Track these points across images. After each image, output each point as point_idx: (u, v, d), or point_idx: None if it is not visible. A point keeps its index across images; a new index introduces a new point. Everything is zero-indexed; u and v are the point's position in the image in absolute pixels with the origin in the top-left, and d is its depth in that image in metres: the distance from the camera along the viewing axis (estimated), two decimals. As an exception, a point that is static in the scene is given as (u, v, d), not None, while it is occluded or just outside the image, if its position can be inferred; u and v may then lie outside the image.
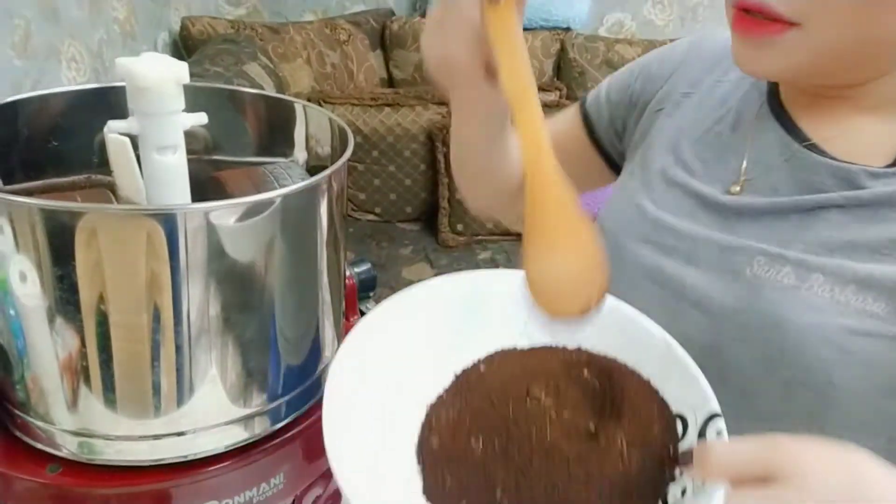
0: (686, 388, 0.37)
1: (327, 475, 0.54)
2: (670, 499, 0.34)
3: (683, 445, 0.35)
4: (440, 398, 0.39)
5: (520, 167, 0.38)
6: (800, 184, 0.46)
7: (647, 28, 2.19)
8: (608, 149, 0.63)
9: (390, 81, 2.16)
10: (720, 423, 0.34)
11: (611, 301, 0.40)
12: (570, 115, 0.65)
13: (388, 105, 1.87)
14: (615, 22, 2.20)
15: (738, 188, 0.48)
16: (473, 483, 0.34)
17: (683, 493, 0.33)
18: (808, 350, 0.42)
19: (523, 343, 0.41)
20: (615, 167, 0.63)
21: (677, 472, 0.34)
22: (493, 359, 0.40)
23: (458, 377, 0.39)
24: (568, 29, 2.11)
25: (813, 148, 0.46)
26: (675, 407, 0.37)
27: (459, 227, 1.90)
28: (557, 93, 2.08)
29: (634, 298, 0.42)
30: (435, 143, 1.88)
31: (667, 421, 0.36)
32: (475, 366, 0.40)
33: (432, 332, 0.40)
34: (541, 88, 2.06)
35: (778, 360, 0.43)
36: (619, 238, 0.53)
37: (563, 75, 2.13)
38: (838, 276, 0.42)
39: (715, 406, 0.35)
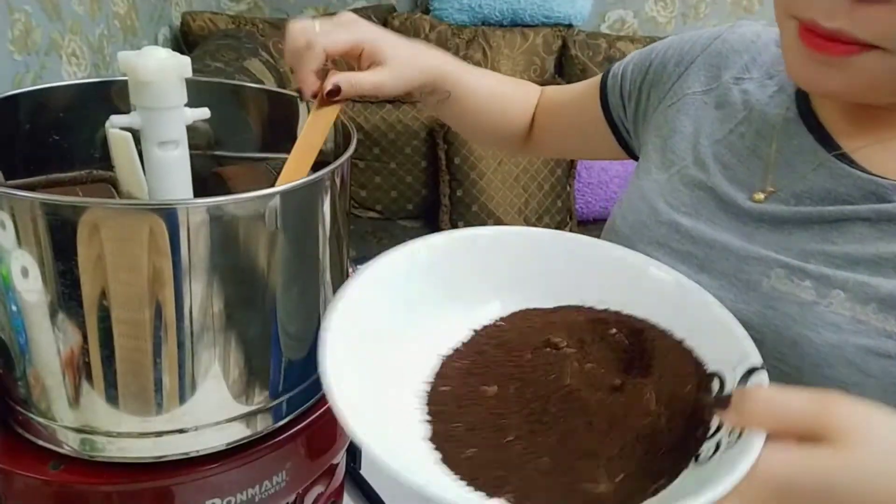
0: (724, 345, 0.35)
1: (329, 472, 0.54)
2: (702, 455, 0.31)
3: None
4: (455, 350, 0.37)
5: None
6: (826, 194, 0.44)
7: (648, 25, 2.18)
8: (616, 121, 0.62)
9: (391, 78, 2.14)
10: (762, 376, 0.32)
11: (641, 260, 0.40)
12: (591, 81, 0.65)
13: (389, 102, 1.86)
14: (617, 19, 2.19)
15: (762, 195, 0.47)
16: (483, 428, 0.32)
17: (717, 447, 0.31)
18: (826, 370, 0.40)
19: (548, 303, 0.40)
20: (622, 141, 0.63)
21: (713, 423, 0.32)
22: (514, 315, 0.39)
23: (476, 332, 0.38)
24: (570, 26, 2.10)
25: (843, 158, 0.45)
26: (713, 365, 0.34)
27: (460, 223, 1.90)
28: (559, 90, 2.07)
29: None
30: (436, 140, 1.87)
31: (701, 380, 0.34)
32: (494, 322, 0.38)
33: (448, 287, 0.38)
34: (542, 86, 2.06)
35: (793, 378, 0.41)
36: (632, 240, 0.51)
37: (565, 72, 2.12)
38: (860, 294, 0.41)
39: (756, 359, 0.33)
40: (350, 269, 0.60)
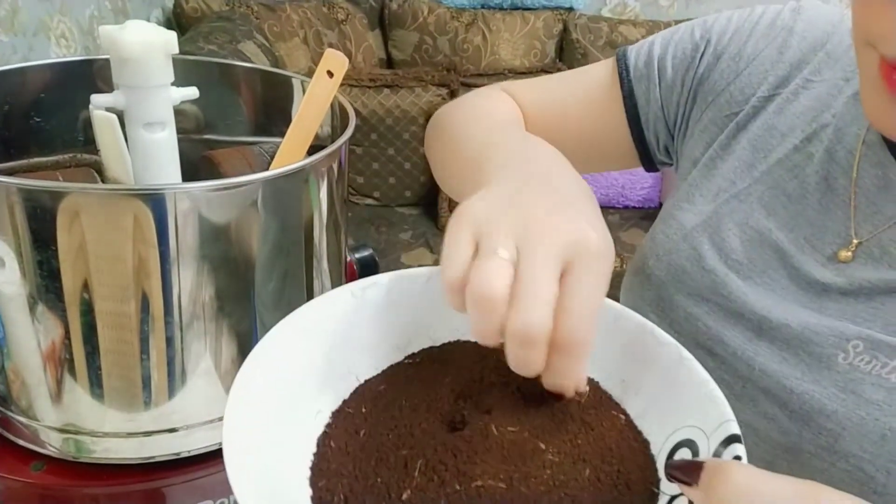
0: (699, 408, 0.30)
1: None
2: None
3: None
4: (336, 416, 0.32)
5: None
6: None
7: (650, 8, 2.15)
8: (645, 121, 0.49)
9: (389, 62, 2.12)
10: (740, 449, 0.27)
11: (615, 307, 0.34)
12: (593, 75, 0.51)
13: (387, 86, 1.83)
14: (618, 2, 2.16)
15: (849, 253, 0.37)
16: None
17: None
18: None
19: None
20: (643, 149, 0.51)
21: (662, 489, 0.27)
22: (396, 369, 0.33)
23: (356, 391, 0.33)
24: (571, 9, 2.08)
25: None
26: (681, 432, 0.30)
27: (459, 211, 1.87)
28: (559, 74, 2.05)
29: None
30: (435, 125, 1.85)
31: (634, 437, 0.30)
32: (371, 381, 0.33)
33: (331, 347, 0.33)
34: (542, 70, 2.03)
35: (880, 483, 0.33)
36: (668, 289, 0.43)
37: (566, 57, 2.09)
38: None
39: (734, 427, 0.28)
40: (348, 258, 0.57)
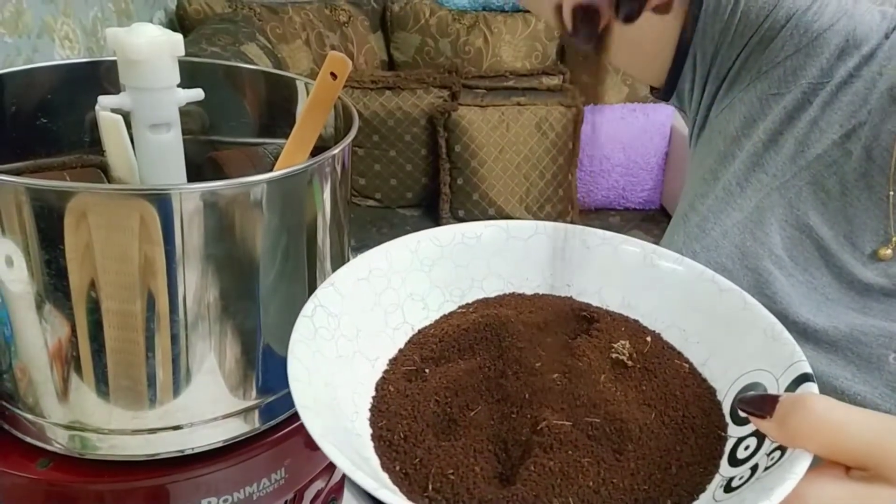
0: (766, 352, 0.29)
1: (329, 468, 0.52)
2: (735, 481, 0.26)
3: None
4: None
5: None
6: None
7: (652, 11, 2.16)
8: (694, 51, 0.45)
9: (391, 64, 2.13)
10: (812, 388, 0.26)
11: (671, 256, 0.34)
12: None
13: (389, 88, 1.84)
14: (620, 5, 2.17)
15: (888, 251, 0.37)
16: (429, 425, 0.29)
17: (753, 472, 0.25)
18: None
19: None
20: (673, 81, 0.47)
21: (748, 441, 0.27)
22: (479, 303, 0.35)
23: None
24: (572, 11, 2.08)
25: None
26: (748, 376, 0.29)
27: (461, 212, 1.88)
28: (561, 76, 2.05)
29: None
30: (436, 127, 1.85)
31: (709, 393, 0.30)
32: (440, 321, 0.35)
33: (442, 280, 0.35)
34: (544, 72, 2.04)
35: None
36: None
37: (568, 59, 2.10)
38: None
39: (805, 367, 0.27)
40: (350, 258, 0.58)
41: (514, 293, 0.36)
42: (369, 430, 0.29)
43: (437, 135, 1.83)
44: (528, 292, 0.36)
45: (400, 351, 0.33)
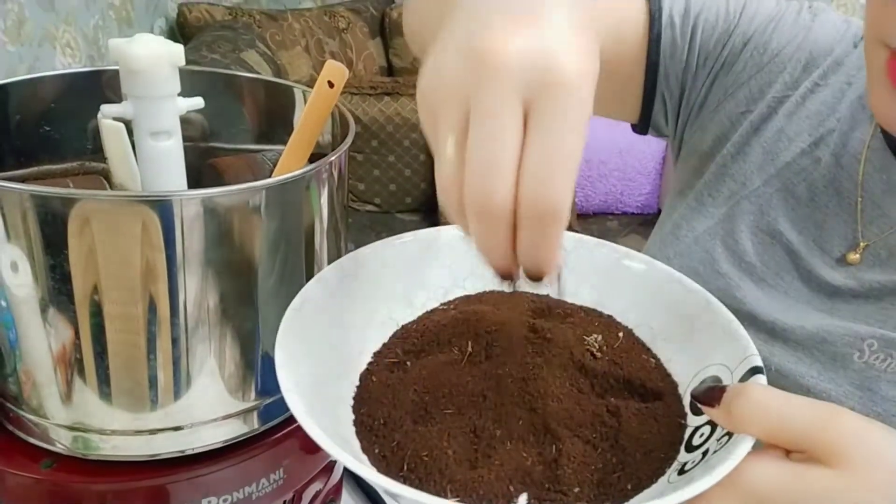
0: (724, 347, 0.31)
1: (328, 469, 0.53)
2: (688, 467, 0.28)
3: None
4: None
5: None
6: None
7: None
8: (659, 84, 0.46)
9: (390, 70, 2.14)
10: (761, 379, 0.28)
11: (642, 258, 0.36)
12: (633, 24, 0.46)
13: (388, 94, 1.85)
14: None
15: (856, 256, 0.38)
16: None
17: (704, 456, 0.27)
18: None
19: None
20: (647, 113, 0.48)
21: (701, 430, 0.28)
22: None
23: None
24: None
25: None
26: (707, 370, 0.31)
27: (459, 217, 1.88)
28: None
29: None
30: (435, 132, 1.86)
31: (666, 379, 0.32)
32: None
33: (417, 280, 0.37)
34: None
35: None
36: None
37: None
38: None
39: (756, 360, 0.29)
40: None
41: (493, 291, 0.37)
42: (351, 417, 0.31)
43: (436, 140, 1.84)
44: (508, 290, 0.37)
45: (384, 345, 0.35)
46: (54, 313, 0.36)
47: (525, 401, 0.30)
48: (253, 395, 0.42)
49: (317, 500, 0.53)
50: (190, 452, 0.41)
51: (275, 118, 0.54)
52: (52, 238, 0.35)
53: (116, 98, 0.42)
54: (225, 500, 0.43)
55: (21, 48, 1.07)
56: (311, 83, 0.46)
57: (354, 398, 0.32)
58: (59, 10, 1.21)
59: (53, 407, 0.39)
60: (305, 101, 0.51)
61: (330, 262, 0.45)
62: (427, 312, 0.37)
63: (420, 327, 0.35)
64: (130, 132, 0.42)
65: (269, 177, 0.46)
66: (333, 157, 0.41)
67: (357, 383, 0.33)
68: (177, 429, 0.40)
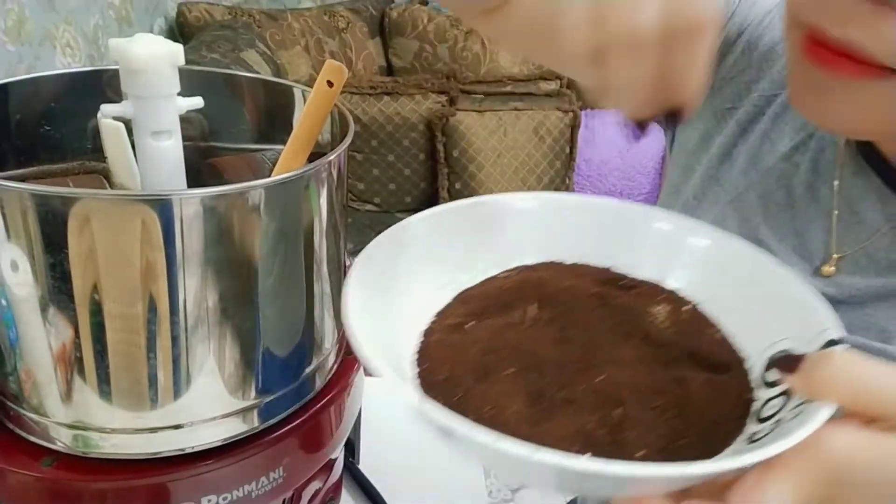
0: (797, 321, 0.30)
1: (327, 468, 0.53)
2: (759, 436, 0.27)
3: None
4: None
5: None
6: None
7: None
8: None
9: (389, 70, 2.14)
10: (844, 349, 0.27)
11: (709, 231, 0.35)
12: None
13: (387, 94, 1.85)
14: (617, 10, 2.18)
15: (831, 268, 0.38)
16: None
17: (772, 409, 0.27)
18: None
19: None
20: None
21: (775, 401, 0.27)
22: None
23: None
24: (569, 17, 2.09)
25: None
26: (779, 345, 0.30)
27: (459, 216, 1.88)
28: (558, 81, 2.07)
29: None
30: (434, 132, 1.86)
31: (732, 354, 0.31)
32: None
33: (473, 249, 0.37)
34: (541, 77, 2.05)
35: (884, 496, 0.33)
36: None
37: (564, 64, 2.10)
38: None
39: (834, 333, 0.27)
40: (347, 263, 0.59)
41: (552, 261, 0.38)
42: (412, 372, 0.31)
43: (436, 140, 1.84)
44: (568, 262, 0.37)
45: (446, 305, 0.35)
46: (54, 312, 0.37)
47: (588, 366, 0.30)
48: (253, 393, 0.42)
49: (316, 498, 0.53)
50: (190, 451, 0.41)
51: (274, 118, 0.54)
52: (52, 237, 0.35)
53: (116, 98, 0.42)
54: (225, 499, 0.43)
55: (21, 48, 1.07)
56: (310, 83, 0.46)
57: (417, 353, 0.32)
58: (59, 10, 1.21)
59: (54, 405, 0.39)
60: (305, 101, 0.51)
61: (329, 261, 0.45)
62: (489, 278, 0.37)
63: (482, 291, 0.36)
64: (130, 132, 0.42)
65: (269, 176, 0.46)
66: (333, 157, 0.41)
67: (418, 341, 0.33)
68: (177, 427, 0.40)
